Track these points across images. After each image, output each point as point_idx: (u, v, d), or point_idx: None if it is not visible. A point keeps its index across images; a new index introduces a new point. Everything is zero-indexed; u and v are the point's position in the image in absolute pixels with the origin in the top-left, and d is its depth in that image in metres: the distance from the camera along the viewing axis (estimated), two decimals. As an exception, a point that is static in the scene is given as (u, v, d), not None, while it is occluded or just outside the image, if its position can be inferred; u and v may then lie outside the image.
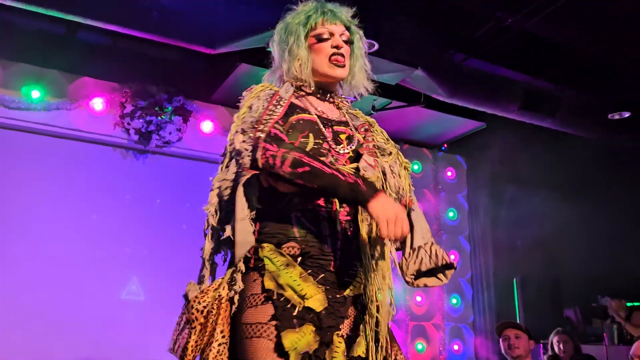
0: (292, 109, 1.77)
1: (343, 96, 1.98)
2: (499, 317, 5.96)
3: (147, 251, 5.23)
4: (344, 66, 1.83)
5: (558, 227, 6.51)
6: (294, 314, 1.55)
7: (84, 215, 5.06)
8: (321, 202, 1.68)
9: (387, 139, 1.92)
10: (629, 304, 5.78)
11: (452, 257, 6.39)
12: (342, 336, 1.61)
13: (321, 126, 1.76)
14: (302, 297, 1.57)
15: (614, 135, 6.05)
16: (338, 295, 1.64)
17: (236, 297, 1.61)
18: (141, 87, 5.17)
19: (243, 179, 1.62)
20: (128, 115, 5.10)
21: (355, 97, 1.97)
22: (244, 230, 1.61)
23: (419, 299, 6.18)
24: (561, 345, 4.54)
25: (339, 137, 1.78)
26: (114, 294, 5.04)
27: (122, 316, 4.96)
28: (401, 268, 1.76)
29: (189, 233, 5.10)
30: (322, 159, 1.60)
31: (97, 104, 5.07)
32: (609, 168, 6.52)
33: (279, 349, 1.51)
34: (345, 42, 1.85)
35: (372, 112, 5.66)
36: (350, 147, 1.77)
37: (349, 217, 1.70)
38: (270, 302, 1.57)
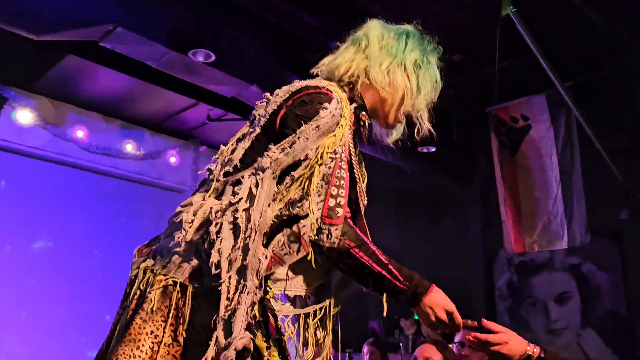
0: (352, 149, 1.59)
1: None
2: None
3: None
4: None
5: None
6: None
7: None
8: None
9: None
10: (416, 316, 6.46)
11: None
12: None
13: (356, 178, 1.63)
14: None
15: (423, 167, 6.79)
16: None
17: None
18: (-53, 65, 4.63)
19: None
20: None
21: None
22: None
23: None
24: (368, 356, 4.95)
25: (358, 193, 1.65)
26: None
27: None
28: None
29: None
30: (374, 247, 1.48)
31: None
32: (422, 200, 7.33)
33: None
34: None
35: (207, 121, 5.70)
36: (363, 207, 1.68)
37: None
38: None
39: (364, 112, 1.64)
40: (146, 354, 1.33)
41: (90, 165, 5.77)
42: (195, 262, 1.40)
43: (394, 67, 1.61)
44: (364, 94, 1.63)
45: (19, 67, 5.11)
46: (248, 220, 1.34)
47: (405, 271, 1.53)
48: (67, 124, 5.57)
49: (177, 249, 1.41)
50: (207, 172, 1.58)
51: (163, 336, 1.34)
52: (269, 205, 1.38)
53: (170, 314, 1.36)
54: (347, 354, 5.57)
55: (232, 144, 1.57)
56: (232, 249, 1.33)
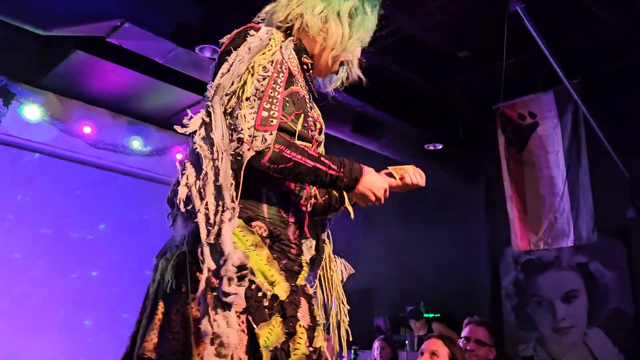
0: (290, 76, 1.59)
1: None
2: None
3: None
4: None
5: (375, 245, 7.10)
6: (265, 304, 1.42)
7: None
8: (292, 185, 1.61)
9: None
10: (426, 315, 6.47)
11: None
12: (303, 327, 1.50)
13: (309, 108, 1.65)
14: (271, 284, 1.45)
15: (428, 165, 6.78)
16: (293, 284, 1.52)
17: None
18: (-46, 61, 4.66)
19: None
20: None
21: None
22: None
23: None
24: (379, 351, 5.00)
25: (314, 123, 1.70)
26: None
27: None
28: None
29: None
30: (303, 145, 1.50)
31: None
32: (427, 198, 7.30)
33: (252, 345, 1.36)
34: None
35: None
36: (321, 137, 1.73)
37: (311, 200, 1.70)
38: (255, 292, 1.42)
39: (305, 55, 1.68)
40: (179, 333, 1.31)
41: (96, 162, 5.80)
42: (191, 226, 1.40)
43: (328, 12, 1.65)
44: (302, 39, 1.68)
45: (26, 62, 5.15)
46: (211, 145, 1.34)
47: (335, 159, 1.54)
48: (74, 120, 5.60)
49: (178, 227, 1.43)
50: None
51: (190, 311, 1.32)
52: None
53: (190, 287, 1.35)
54: (352, 351, 5.57)
55: None
56: (197, 178, 1.32)
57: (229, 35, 1.61)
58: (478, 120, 6.54)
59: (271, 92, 1.45)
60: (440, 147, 6.27)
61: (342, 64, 1.74)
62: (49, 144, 5.43)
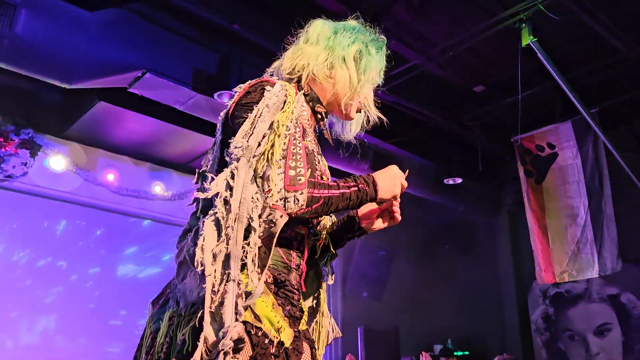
0: (303, 131, 1.58)
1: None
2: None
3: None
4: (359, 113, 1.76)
5: (401, 283, 7.03)
6: (272, 351, 1.39)
7: None
8: (297, 229, 1.58)
9: None
10: (456, 354, 6.33)
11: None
12: None
13: (316, 161, 1.61)
14: (277, 331, 1.42)
15: (449, 199, 6.74)
16: (295, 330, 1.49)
17: None
18: (-16, 115, 4.84)
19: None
20: (-35, 145, 4.72)
21: None
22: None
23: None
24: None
25: (321, 176, 1.65)
26: None
27: None
28: None
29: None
30: (322, 180, 1.50)
31: None
32: (449, 233, 7.26)
33: None
34: None
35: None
36: None
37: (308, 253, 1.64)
38: (247, 335, 1.37)
39: (319, 104, 1.68)
40: None
41: (120, 208, 5.89)
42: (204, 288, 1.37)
43: (332, 59, 1.65)
44: (312, 88, 1.68)
45: (52, 114, 5.31)
46: (228, 211, 1.32)
47: (344, 180, 1.52)
48: (98, 169, 5.72)
49: (190, 282, 1.43)
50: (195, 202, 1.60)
51: None
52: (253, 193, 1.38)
53: None
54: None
55: (204, 162, 1.62)
56: (216, 244, 1.31)
57: (242, 86, 1.60)
58: (497, 153, 6.53)
59: (294, 149, 1.44)
60: (460, 181, 6.25)
61: (359, 110, 1.73)
62: (74, 192, 5.54)
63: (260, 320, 1.39)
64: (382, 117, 1.77)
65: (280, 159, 1.41)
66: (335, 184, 1.49)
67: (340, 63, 1.64)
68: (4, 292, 5.00)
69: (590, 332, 6.23)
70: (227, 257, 1.30)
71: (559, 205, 5.38)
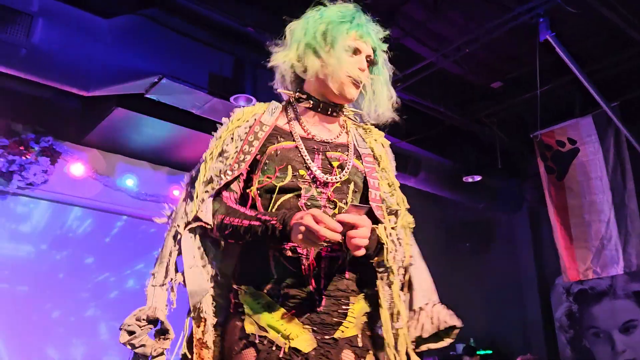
0: (274, 136, 1.59)
1: (351, 112, 1.75)
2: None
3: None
4: (359, 88, 1.63)
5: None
6: (280, 356, 1.41)
7: None
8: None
9: (392, 183, 1.69)
10: (479, 352, 6.27)
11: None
12: None
13: (305, 154, 1.56)
14: (287, 338, 1.43)
15: (469, 197, 6.68)
16: (327, 337, 1.45)
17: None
18: (4, 124, 4.90)
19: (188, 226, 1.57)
20: (-13, 153, 4.80)
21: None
22: (195, 279, 1.50)
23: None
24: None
25: (331, 165, 1.58)
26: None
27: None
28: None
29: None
30: (245, 212, 1.50)
31: (-48, 139, 4.72)
32: (468, 231, 7.20)
33: None
34: (370, 62, 1.66)
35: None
36: (341, 177, 1.56)
37: (333, 254, 1.50)
38: (252, 346, 1.43)
39: (298, 91, 1.68)
40: None
41: (139, 213, 5.93)
42: None
43: (300, 51, 1.63)
44: (303, 87, 1.69)
45: (71, 122, 5.37)
46: (173, 221, 1.64)
47: (277, 212, 1.48)
48: (117, 174, 5.77)
49: None
50: None
51: None
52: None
53: None
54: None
55: None
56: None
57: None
58: (516, 150, 6.45)
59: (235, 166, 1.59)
60: (479, 178, 6.19)
61: (357, 87, 1.63)
62: (94, 198, 5.60)
63: (265, 330, 1.45)
64: (394, 96, 1.71)
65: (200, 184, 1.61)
66: (254, 214, 1.48)
67: (306, 51, 1.61)
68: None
69: (615, 329, 6.12)
70: (156, 259, 1.59)
71: (582, 202, 5.29)
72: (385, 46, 1.68)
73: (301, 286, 1.47)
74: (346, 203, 1.54)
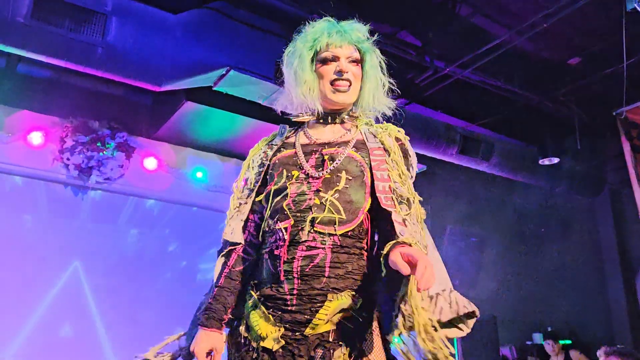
0: (280, 149, 1.80)
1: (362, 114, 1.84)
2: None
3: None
4: (346, 91, 1.72)
5: (495, 269, 6.77)
6: (254, 356, 1.59)
7: (18, 251, 4.86)
8: (279, 242, 1.64)
9: (403, 173, 1.72)
10: (560, 342, 6.02)
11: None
12: None
13: (301, 156, 1.72)
14: (260, 338, 1.59)
15: (545, 181, 6.38)
16: (297, 334, 1.56)
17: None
18: (83, 122, 5.08)
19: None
20: (68, 150, 4.99)
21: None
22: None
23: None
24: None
25: (324, 160, 1.69)
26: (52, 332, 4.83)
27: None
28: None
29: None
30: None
31: (35, 137, 4.93)
32: (545, 216, 6.90)
33: None
34: (355, 61, 1.75)
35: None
36: (330, 169, 1.66)
37: (309, 252, 1.59)
38: (237, 346, 1.66)
39: (311, 116, 1.82)
40: None
41: (210, 205, 6.03)
42: None
43: (289, 90, 1.79)
44: (296, 102, 1.82)
45: (143, 117, 5.52)
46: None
47: (211, 302, 1.72)
48: (187, 167, 5.88)
49: None
50: None
51: None
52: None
53: None
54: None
55: None
56: None
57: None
58: (596, 129, 6.10)
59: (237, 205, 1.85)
60: (556, 161, 5.89)
61: (336, 85, 1.73)
62: (166, 191, 5.74)
63: (249, 331, 1.63)
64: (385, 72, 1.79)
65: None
66: (214, 281, 1.76)
67: (292, 92, 1.77)
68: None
69: None
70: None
71: (674, 182, 4.94)
72: (365, 40, 1.77)
73: (277, 287, 1.60)
74: (338, 191, 1.63)
